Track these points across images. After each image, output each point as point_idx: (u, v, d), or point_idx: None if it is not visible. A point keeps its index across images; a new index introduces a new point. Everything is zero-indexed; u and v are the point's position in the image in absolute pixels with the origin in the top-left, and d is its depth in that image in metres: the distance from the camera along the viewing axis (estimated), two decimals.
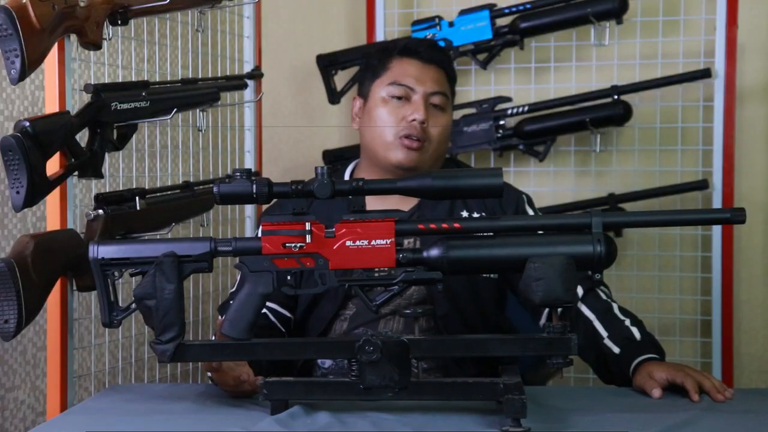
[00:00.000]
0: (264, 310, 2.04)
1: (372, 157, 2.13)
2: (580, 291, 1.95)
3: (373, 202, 2.03)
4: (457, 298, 2.04)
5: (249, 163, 2.61)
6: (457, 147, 3.00)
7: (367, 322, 2.02)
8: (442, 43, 2.83)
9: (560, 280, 1.52)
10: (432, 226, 1.61)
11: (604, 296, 1.97)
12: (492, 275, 2.07)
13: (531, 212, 2.14)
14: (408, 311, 2.03)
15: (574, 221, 1.64)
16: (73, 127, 1.90)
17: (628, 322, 1.91)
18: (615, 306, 1.95)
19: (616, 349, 1.87)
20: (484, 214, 2.08)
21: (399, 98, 2.09)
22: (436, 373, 2.00)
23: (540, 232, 1.65)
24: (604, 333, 1.90)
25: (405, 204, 2.06)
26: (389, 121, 2.08)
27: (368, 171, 2.15)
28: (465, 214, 2.08)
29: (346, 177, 2.19)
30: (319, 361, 2.04)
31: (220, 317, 1.97)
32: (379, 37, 3.10)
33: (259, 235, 1.63)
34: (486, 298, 2.08)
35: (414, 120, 2.06)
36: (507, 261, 1.59)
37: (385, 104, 2.10)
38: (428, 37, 2.95)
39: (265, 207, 2.17)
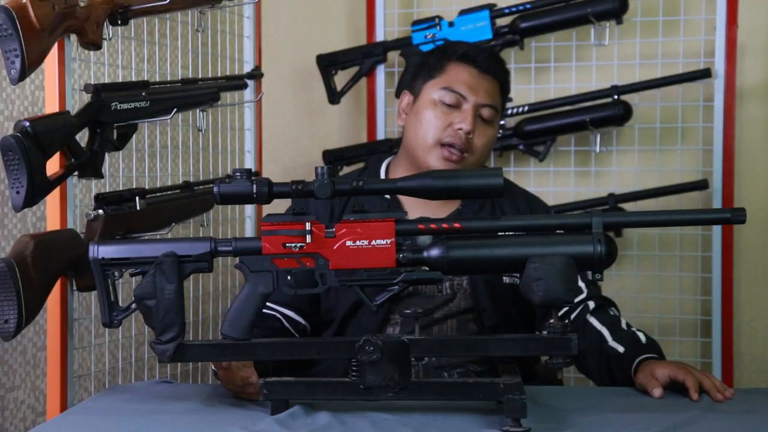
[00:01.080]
0: (278, 315, 2.05)
1: (411, 156, 2.12)
2: (591, 305, 1.99)
3: (412, 206, 2.02)
4: (505, 307, 2.04)
5: (249, 163, 2.61)
6: None
7: (420, 327, 2.01)
8: (441, 43, 2.82)
9: (560, 280, 1.53)
10: (432, 226, 1.61)
11: (612, 313, 2.00)
12: None
13: None
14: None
15: (574, 221, 1.64)
16: (73, 127, 1.90)
17: (634, 329, 1.94)
18: (623, 321, 1.98)
19: (620, 348, 1.88)
20: None
21: (449, 105, 2.08)
22: (486, 376, 1.99)
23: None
24: (609, 337, 1.92)
25: (446, 207, 2.06)
26: (436, 125, 2.07)
27: (405, 169, 2.13)
28: None
29: (382, 173, 2.19)
30: None
31: None
32: (379, 37, 3.10)
33: None
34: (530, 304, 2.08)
35: (460, 129, 2.05)
36: (507, 261, 1.60)
37: (435, 107, 2.09)
38: (427, 37, 2.95)
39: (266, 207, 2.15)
